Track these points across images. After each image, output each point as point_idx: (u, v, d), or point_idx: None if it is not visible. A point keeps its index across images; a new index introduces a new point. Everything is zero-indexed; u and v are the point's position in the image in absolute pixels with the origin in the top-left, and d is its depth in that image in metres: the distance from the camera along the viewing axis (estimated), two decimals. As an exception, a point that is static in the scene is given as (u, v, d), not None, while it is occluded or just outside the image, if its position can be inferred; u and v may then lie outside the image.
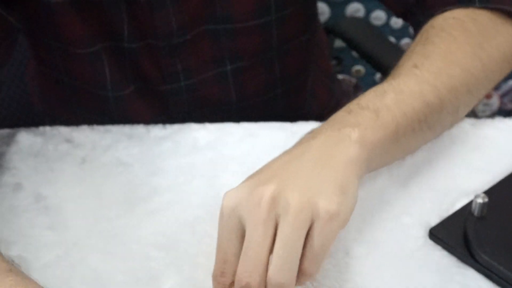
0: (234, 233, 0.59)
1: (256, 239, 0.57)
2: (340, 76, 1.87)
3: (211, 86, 0.91)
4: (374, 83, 1.95)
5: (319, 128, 0.66)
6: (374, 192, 0.73)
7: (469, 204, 0.70)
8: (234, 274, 0.59)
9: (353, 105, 0.68)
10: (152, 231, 0.70)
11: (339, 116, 0.67)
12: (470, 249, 0.66)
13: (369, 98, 0.68)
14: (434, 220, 0.70)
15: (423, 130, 0.71)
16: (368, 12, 1.85)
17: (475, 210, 0.68)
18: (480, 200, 0.68)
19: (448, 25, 0.77)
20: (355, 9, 1.84)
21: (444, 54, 0.74)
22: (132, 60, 0.87)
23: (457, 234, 0.68)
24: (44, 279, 0.65)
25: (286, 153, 0.64)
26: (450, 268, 0.66)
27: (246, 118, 0.84)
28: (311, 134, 0.66)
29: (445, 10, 0.80)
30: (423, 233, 0.69)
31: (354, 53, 1.76)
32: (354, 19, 1.66)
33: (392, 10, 0.90)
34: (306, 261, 0.58)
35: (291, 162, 0.62)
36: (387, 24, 1.86)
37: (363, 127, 0.65)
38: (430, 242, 0.69)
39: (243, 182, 0.61)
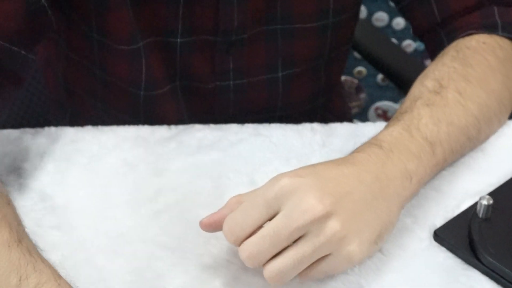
0: (266, 210, 0.62)
1: (280, 233, 0.60)
2: (342, 78, 1.87)
3: (260, 90, 0.91)
4: (375, 84, 1.96)
5: (384, 149, 0.68)
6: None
7: (474, 205, 0.70)
8: (239, 239, 0.62)
9: (412, 125, 0.71)
10: (157, 231, 0.70)
11: (401, 137, 0.70)
12: (475, 250, 0.67)
13: (427, 125, 0.72)
14: (439, 222, 0.70)
15: (457, 158, 0.76)
16: (370, 13, 1.85)
17: (480, 212, 0.68)
18: (485, 202, 0.68)
19: (482, 49, 0.80)
20: (380, 17, 1.85)
21: (482, 80, 0.77)
22: (182, 56, 0.87)
23: (462, 236, 0.68)
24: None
25: (347, 164, 0.66)
26: (455, 270, 0.66)
27: None
28: (374, 154, 0.68)
29: (470, 34, 0.82)
30: (427, 234, 0.69)
31: (356, 54, 1.76)
32: (378, 28, 1.66)
33: (415, 26, 0.91)
34: (306, 271, 0.63)
35: (354, 188, 0.64)
36: (389, 26, 1.86)
37: (423, 167, 0.69)
38: (435, 244, 0.69)
39: (306, 178, 0.63)
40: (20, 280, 0.56)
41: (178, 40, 0.85)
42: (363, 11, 1.84)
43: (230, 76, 0.89)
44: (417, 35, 0.92)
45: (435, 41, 0.87)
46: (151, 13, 0.83)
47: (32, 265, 0.57)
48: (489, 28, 0.82)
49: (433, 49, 0.87)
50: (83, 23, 0.85)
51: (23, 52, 0.74)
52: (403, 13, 0.92)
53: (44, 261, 0.59)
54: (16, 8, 0.72)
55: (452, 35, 0.84)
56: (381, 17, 1.85)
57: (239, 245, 0.62)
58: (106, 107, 0.93)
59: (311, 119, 0.91)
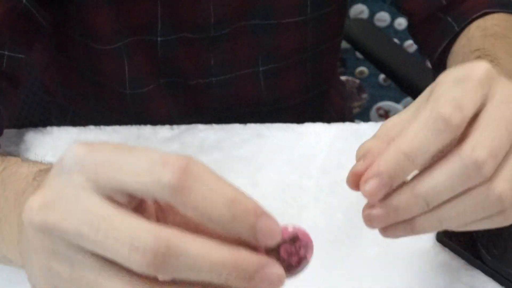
0: (482, 91, 0.48)
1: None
2: (343, 78, 1.87)
3: (243, 85, 0.91)
4: (377, 84, 1.96)
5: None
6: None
7: (477, 206, 0.70)
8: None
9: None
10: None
11: None
12: (478, 251, 0.66)
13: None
14: (442, 222, 0.70)
15: None
16: (372, 13, 1.85)
17: (483, 212, 0.68)
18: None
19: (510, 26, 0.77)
20: (359, 11, 1.85)
21: None
22: (163, 53, 0.86)
23: (465, 236, 0.68)
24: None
25: None
26: (458, 270, 0.66)
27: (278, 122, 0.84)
28: None
29: (486, 13, 0.79)
30: (431, 234, 0.69)
31: (358, 54, 1.76)
32: (358, 21, 1.66)
33: (412, 17, 0.89)
34: None
35: None
36: (391, 26, 1.86)
37: None
38: (438, 244, 0.69)
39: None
40: None
41: (158, 38, 0.85)
42: (365, 11, 1.84)
43: (212, 72, 0.89)
44: (414, 25, 0.89)
45: (439, 28, 0.83)
46: (130, 11, 0.82)
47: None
48: (504, 6, 0.79)
49: (437, 37, 0.83)
50: (66, 24, 0.85)
51: (10, 53, 0.74)
52: (397, 4, 0.89)
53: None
54: None
55: (463, 18, 0.80)
56: (383, 17, 1.85)
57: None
58: (98, 107, 0.94)
59: (305, 113, 0.91)
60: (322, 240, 0.69)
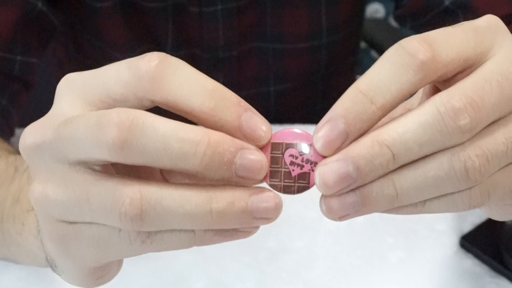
0: (475, 40, 0.39)
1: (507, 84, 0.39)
2: (358, 77, 1.86)
3: (252, 103, 0.88)
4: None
5: None
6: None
7: (502, 211, 0.69)
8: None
9: None
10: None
11: None
12: (502, 257, 0.65)
13: None
14: (467, 227, 0.69)
15: None
16: (388, 12, 1.84)
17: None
18: (514, 208, 0.66)
19: None
20: (375, 10, 1.83)
21: None
22: None
23: (489, 242, 0.67)
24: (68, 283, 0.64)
25: None
26: (483, 277, 0.65)
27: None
28: None
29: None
30: (455, 240, 0.68)
31: (373, 53, 1.74)
32: (374, 20, 1.65)
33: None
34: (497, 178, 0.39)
35: None
36: (406, 25, 1.85)
37: None
38: (462, 250, 0.67)
39: None
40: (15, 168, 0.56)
41: (168, 52, 0.83)
42: (381, 11, 1.83)
43: None
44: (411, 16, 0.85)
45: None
46: (142, 24, 0.82)
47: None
48: None
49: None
50: (81, 28, 0.84)
51: (23, 58, 0.73)
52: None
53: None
54: (9, 18, 0.72)
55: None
56: (398, 17, 1.84)
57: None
58: None
59: (315, 122, 0.90)
60: (344, 245, 0.68)
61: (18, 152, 0.60)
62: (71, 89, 0.39)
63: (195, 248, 0.67)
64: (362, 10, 0.93)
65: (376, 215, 0.70)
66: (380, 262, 0.67)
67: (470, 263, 0.66)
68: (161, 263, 0.66)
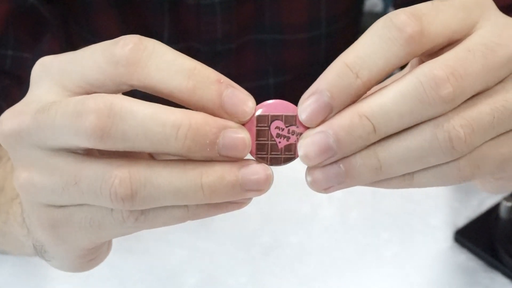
0: (463, 16, 0.39)
1: (493, 57, 0.38)
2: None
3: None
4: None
5: None
6: (403, 192, 0.71)
7: (497, 206, 0.68)
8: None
9: None
10: (170, 228, 0.69)
11: None
12: (497, 252, 0.65)
13: None
14: (461, 222, 0.69)
15: None
16: (386, 6, 1.83)
17: (503, 213, 0.67)
18: (508, 203, 0.66)
19: None
20: (373, 4, 1.83)
21: None
22: None
23: (484, 237, 0.67)
24: (62, 277, 0.65)
25: None
26: (477, 272, 0.65)
27: None
28: None
29: None
30: (450, 235, 0.68)
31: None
32: (372, 14, 1.65)
33: None
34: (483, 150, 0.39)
35: None
36: (405, 19, 1.84)
37: None
38: (456, 245, 0.67)
39: None
40: None
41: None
42: (379, 5, 1.82)
43: None
44: None
45: None
46: (136, 16, 0.81)
47: None
48: None
49: None
50: (74, 22, 0.84)
51: (14, 53, 0.73)
52: None
53: None
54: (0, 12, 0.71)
55: None
56: (397, 11, 1.84)
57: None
58: None
59: None
60: (338, 240, 0.68)
61: None
62: (46, 73, 0.38)
63: (188, 243, 0.68)
64: (361, 0, 0.92)
65: (370, 211, 0.70)
66: (374, 257, 0.67)
67: (464, 257, 0.66)
68: (154, 259, 0.66)
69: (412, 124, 0.36)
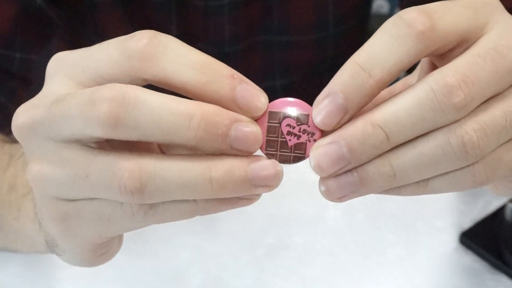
0: (473, 14, 0.39)
1: (503, 60, 0.38)
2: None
3: None
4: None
5: None
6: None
7: (502, 208, 0.68)
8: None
9: None
10: (175, 229, 0.69)
11: None
12: (502, 254, 0.65)
13: None
14: (467, 224, 0.69)
15: None
16: (393, 8, 1.83)
17: (508, 215, 0.67)
18: (513, 205, 0.66)
19: None
20: (379, 6, 1.82)
21: None
22: None
23: (489, 239, 0.66)
24: (67, 278, 0.65)
25: None
26: (482, 274, 0.65)
27: None
28: None
29: None
30: (455, 237, 0.68)
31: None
32: (378, 16, 1.65)
33: None
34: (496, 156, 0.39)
35: None
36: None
37: None
38: (462, 247, 0.67)
39: None
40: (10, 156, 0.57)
41: None
42: (385, 7, 1.82)
43: None
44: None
45: None
46: (143, 17, 0.81)
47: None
48: None
49: None
50: (81, 24, 0.84)
51: (22, 55, 0.73)
52: None
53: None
54: (7, 14, 0.71)
55: None
56: (403, 12, 1.83)
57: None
58: None
59: None
60: (343, 241, 0.68)
61: (13, 142, 0.60)
62: (61, 69, 0.39)
63: (192, 244, 0.68)
64: (368, 1, 0.92)
65: (376, 212, 0.70)
66: (379, 258, 0.66)
67: (469, 259, 0.66)
68: (159, 260, 0.66)
69: (425, 131, 0.36)
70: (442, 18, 0.37)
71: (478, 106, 0.37)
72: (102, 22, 0.81)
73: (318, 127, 0.37)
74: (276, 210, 0.70)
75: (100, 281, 0.63)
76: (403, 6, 0.87)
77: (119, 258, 0.66)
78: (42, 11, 0.74)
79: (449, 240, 0.68)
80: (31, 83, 0.76)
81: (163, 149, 0.44)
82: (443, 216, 0.70)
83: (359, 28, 0.90)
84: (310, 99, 1.00)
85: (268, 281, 0.65)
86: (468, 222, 0.69)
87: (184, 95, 0.36)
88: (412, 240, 0.68)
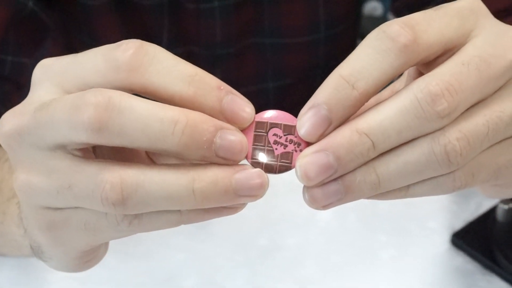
0: (458, 22, 0.39)
1: (486, 69, 0.38)
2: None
3: (250, 101, 0.87)
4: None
5: None
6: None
7: (493, 209, 0.69)
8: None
9: None
10: (169, 231, 0.69)
11: None
12: (494, 255, 0.65)
13: None
14: (459, 224, 0.69)
15: None
16: (386, 10, 1.83)
17: (500, 216, 0.67)
18: (505, 206, 0.66)
19: None
20: (373, 8, 1.83)
21: None
22: None
23: (481, 240, 0.67)
24: (61, 280, 0.65)
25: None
26: (474, 274, 0.65)
27: None
28: None
29: None
30: (447, 237, 0.68)
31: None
32: (372, 18, 1.65)
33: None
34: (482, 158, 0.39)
35: None
36: (404, 23, 1.84)
37: None
38: (454, 248, 0.67)
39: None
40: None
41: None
42: (379, 9, 1.82)
43: None
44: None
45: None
46: (136, 20, 0.81)
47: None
48: None
49: None
50: (75, 27, 0.84)
51: (14, 58, 0.73)
52: None
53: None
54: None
55: None
56: (396, 15, 1.84)
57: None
58: None
59: None
60: (335, 242, 0.68)
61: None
62: (47, 75, 0.39)
63: (186, 246, 0.68)
64: (359, 4, 0.93)
65: (368, 213, 0.70)
66: (371, 259, 0.67)
67: (461, 260, 0.66)
68: (152, 262, 0.66)
69: (409, 139, 0.37)
70: (425, 31, 0.37)
71: (461, 113, 0.37)
72: (96, 25, 0.81)
73: (303, 138, 0.37)
74: (268, 212, 0.71)
75: (93, 283, 0.63)
76: (394, 9, 0.87)
77: (112, 259, 0.66)
78: (35, 14, 0.74)
79: (441, 241, 0.68)
80: (24, 87, 0.76)
81: (151, 157, 0.44)
82: (435, 217, 0.70)
83: (351, 31, 0.91)
84: (302, 102, 1.00)
85: (261, 282, 0.65)
86: (460, 223, 0.69)
87: (171, 105, 0.36)
88: (404, 241, 0.68)
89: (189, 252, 0.67)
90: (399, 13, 0.87)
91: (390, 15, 1.83)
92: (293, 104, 0.93)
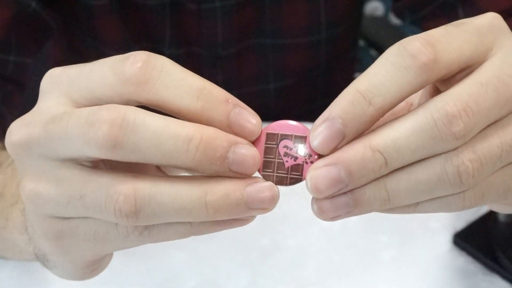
0: (477, 41, 0.39)
1: (505, 89, 0.38)
2: (357, 74, 1.85)
3: (251, 101, 0.88)
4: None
5: None
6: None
7: (495, 209, 0.68)
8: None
9: None
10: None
11: None
12: (496, 255, 0.65)
13: None
14: (460, 225, 0.69)
15: None
16: (387, 10, 1.83)
17: (501, 216, 0.67)
18: (507, 206, 0.66)
19: None
20: (374, 8, 1.83)
21: None
22: None
23: (482, 240, 0.67)
24: (62, 279, 0.64)
25: None
26: (476, 275, 0.65)
27: None
28: None
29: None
30: (449, 238, 0.68)
31: (372, 52, 1.74)
32: (373, 18, 1.65)
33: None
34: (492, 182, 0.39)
35: None
36: (406, 23, 1.84)
37: None
38: (455, 248, 0.67)
39: None
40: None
41: (166, 50, 0.83)
42: (380, 8, 1.82)
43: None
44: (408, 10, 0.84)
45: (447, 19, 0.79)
46: (138, 21, 0.81)
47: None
48: None
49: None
50: (76, 27, 0.84)
51: (16, 58, 0.73)
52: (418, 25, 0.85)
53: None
54: (1, 18, 0.71)
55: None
56: (398, 15, 1.84)
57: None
58: None
59: (314, 118, 0.89)
60: (337, 243, 0.68)
61: (1, 148, 0.60)
62: (55, 86, 0.38)
63: (187, 246, 0.68)
64: (360, 4, 0.93)
65: (369, 214, 0.70)
66: (373, 260, 0.67)
67: (463, 261, 0.66)
68: (154, 262, 0.66)
69: (422, 158, 0.37)
70: (446, 47, 0.37)
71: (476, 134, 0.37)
72: (97, 25, 0.81)
73: (315, 150, 0.37)
74: (270, 212, 0.70)
75: (94, 283, 0.62)
76: (395, 9, 0.87)
77: (113, 260, 0.66)
78: (37, 14, 0.74)
79: (442, 241, 0.68)
80: (25, 87, 0.76)
81: (161, 168, 0.44)
82: (436, 218, 0.70)
83: (352, 31, 0.91)
84: (303, 102, 1.02)
85: (262, 283, 0.65)
86: (461, 223, 0.69)
87: (180, 118, 0.36)
88: (405, 242, 0.68)
89: (190, 253, 0.67)
90: (400, 14, 0.87)
91: (391, 15, 1.83)
92: (294, 105, 0.93)
